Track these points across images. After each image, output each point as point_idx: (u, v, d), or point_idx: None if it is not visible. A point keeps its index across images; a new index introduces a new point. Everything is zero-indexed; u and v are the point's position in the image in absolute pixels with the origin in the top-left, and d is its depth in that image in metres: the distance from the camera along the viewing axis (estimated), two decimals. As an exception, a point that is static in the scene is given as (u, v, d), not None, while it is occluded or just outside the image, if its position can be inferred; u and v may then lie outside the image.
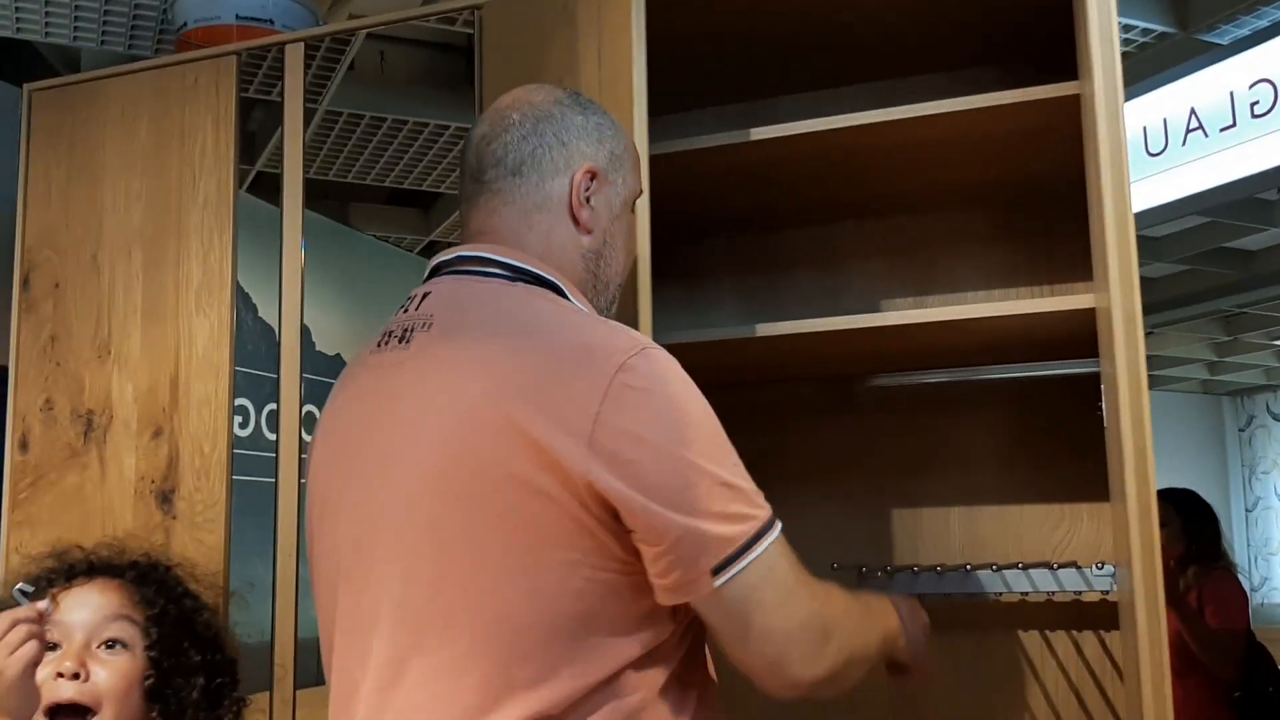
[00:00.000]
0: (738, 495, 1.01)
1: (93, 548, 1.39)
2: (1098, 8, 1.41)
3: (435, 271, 1.18)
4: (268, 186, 2.04)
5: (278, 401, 1.98)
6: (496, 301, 1.09)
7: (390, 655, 1.03)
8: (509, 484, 0.98)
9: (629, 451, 0.96)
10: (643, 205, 1.41)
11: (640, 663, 1.02)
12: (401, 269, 4.42)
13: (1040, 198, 1.90)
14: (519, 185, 1.16)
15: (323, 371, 2.05)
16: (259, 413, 3.37)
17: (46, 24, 2.29)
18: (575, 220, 1.16)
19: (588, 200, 1.17)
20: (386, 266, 4.32)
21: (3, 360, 2.44)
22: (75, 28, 2.32)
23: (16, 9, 2.25)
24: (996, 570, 1.75)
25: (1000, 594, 1.79)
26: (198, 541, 1.90)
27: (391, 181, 3.30)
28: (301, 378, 1.96)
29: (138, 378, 1.98)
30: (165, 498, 1.94)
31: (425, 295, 1.13)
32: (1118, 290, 1.36)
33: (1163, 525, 1.61)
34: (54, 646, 1.22)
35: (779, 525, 1.03)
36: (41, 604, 1.18)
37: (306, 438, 1.86)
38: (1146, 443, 1.31)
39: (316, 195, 1.94)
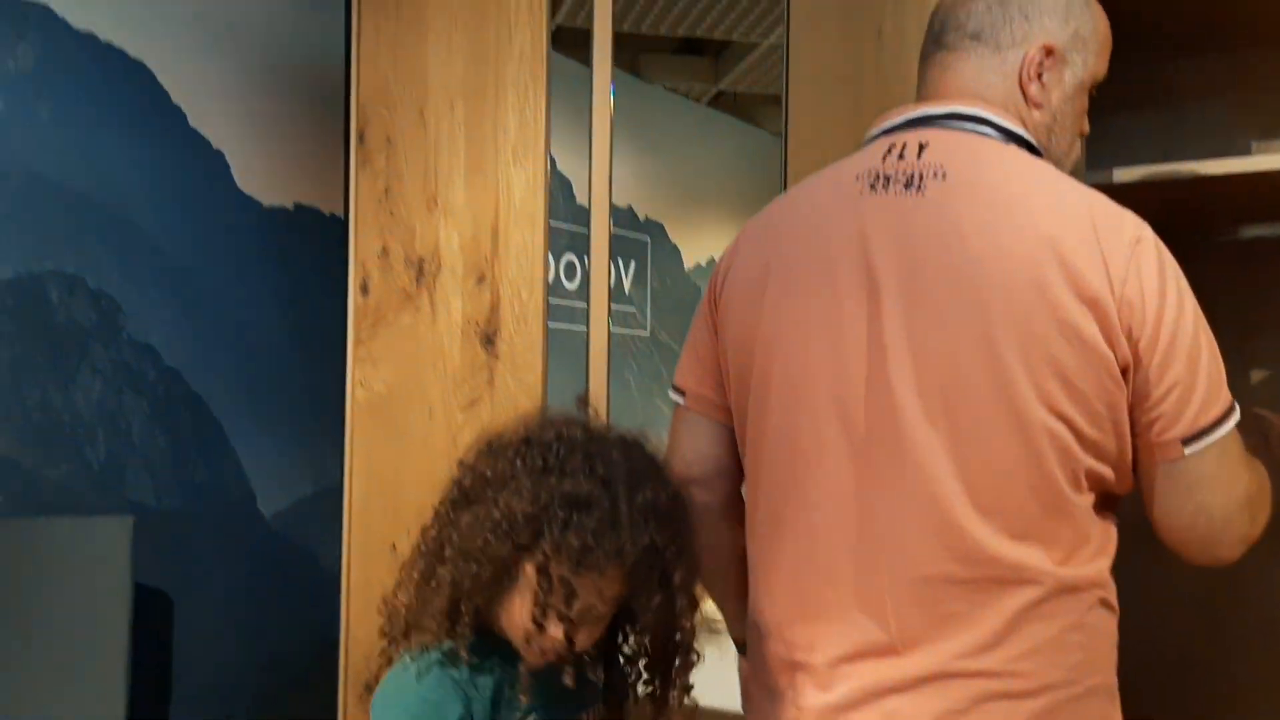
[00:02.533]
0: (1219, 371, 1.09)
1: (624, 489, 1.16)
2: None
3: (918, 122, 1.19)
4: (564, 40, 2.09)
5: (579, 254, 2.06)
6: (1008, 160, 1.13)
7: (921, 483, 1.08)
8: (1057, 330, 1.04)
9: (1151, 306, 1.04)
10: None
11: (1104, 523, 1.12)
12: (689, 120, 4.44)
13: None
14: (975, 49, 1.19)
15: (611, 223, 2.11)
16: (557, 262, 3.53)
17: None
18: (1024, 94, 1.18)
19: (1039, 76, 1.18)
20: (675, 117, 4.35)
21: (337, 210, 2.65)
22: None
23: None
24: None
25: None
26: (519, 381, 2.04)
27: (684, 31, 3.29)
28: (611, 232, 2.03)
29: (462, 227, 2.11)
30: (489, 339, 2.08)
31: (923, 145, 1.15)
32: None
33: None
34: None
35: (1238, 409, 1.10)
36: None
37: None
38: None
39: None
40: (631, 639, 1.29)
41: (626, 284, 4.05)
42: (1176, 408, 1.06)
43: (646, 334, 4.10)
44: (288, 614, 2.58)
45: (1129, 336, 1.04)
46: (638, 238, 4.09)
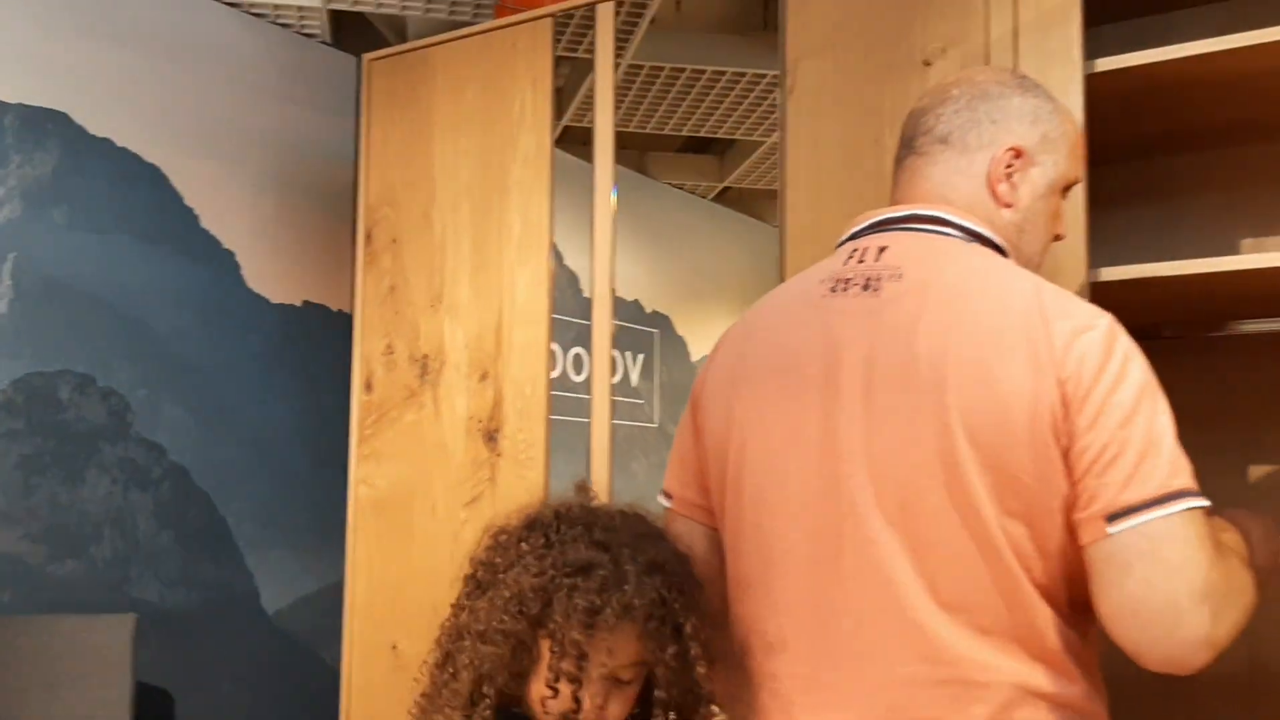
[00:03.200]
0: (1160, 451, 1.01)
1: (626, 551, 1.21)
2: None
3: (880, 226, 1.22)
4: (572, 139, 2.14)
5: (587, 347, 2.09)
6: (965, 259, 1.14)
7: (898, 596, 1.07)
8: (1005, 429, 1.03)
9: (1086, 380, 1.02)
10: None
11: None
12: (695, 215, 4.51)
13: None
14: (943, 152, 1.22)
15: (618, 316, 2.14)
16: (564, 355, 3.56)
17: (378, -4, 2.49)
18: (993, 194, 1.20)
19: (1009, 177, 1.20)
20: (682, 213, 4.42)
21: (345, 307, 2.69)
22: (404, -2, 2.51)
23: (352, -17, 2.45)
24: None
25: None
26: (520, 477, 2.05)
27: (688, 130, 3.37)
28: (613, 325, 2.05)
29: (467, 325, 2.14)
30: (491, 436, 2.09)
31: (883, 248, 1.18)
32: None
33: None
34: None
35: (1200, 500, 1.01)
36: None
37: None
38: None
39: (616, 146, 2.02)
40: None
41: (634, 376, 4.07)
42: (1098, 480, 1.00)
43: (655, 426, 4.11)
44: (289, 712, 2.56)
45: (1064, 413, 1.02)
46: (646, 330, 4.12)
